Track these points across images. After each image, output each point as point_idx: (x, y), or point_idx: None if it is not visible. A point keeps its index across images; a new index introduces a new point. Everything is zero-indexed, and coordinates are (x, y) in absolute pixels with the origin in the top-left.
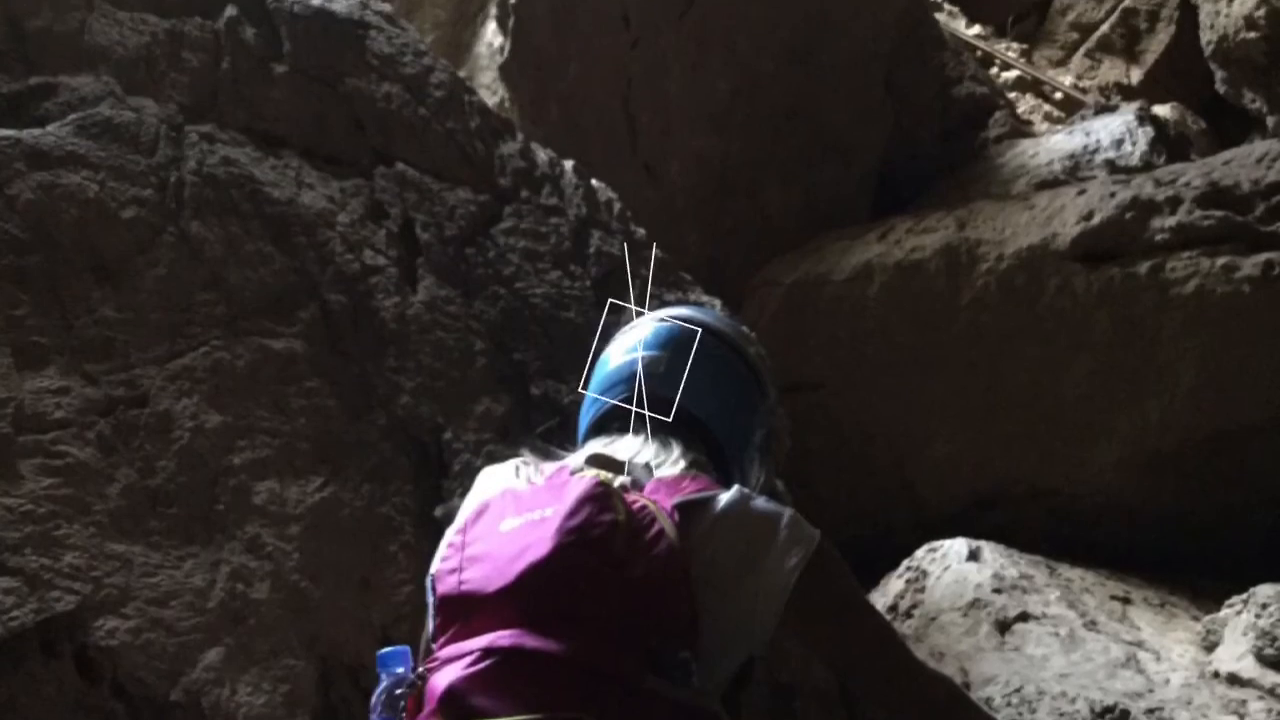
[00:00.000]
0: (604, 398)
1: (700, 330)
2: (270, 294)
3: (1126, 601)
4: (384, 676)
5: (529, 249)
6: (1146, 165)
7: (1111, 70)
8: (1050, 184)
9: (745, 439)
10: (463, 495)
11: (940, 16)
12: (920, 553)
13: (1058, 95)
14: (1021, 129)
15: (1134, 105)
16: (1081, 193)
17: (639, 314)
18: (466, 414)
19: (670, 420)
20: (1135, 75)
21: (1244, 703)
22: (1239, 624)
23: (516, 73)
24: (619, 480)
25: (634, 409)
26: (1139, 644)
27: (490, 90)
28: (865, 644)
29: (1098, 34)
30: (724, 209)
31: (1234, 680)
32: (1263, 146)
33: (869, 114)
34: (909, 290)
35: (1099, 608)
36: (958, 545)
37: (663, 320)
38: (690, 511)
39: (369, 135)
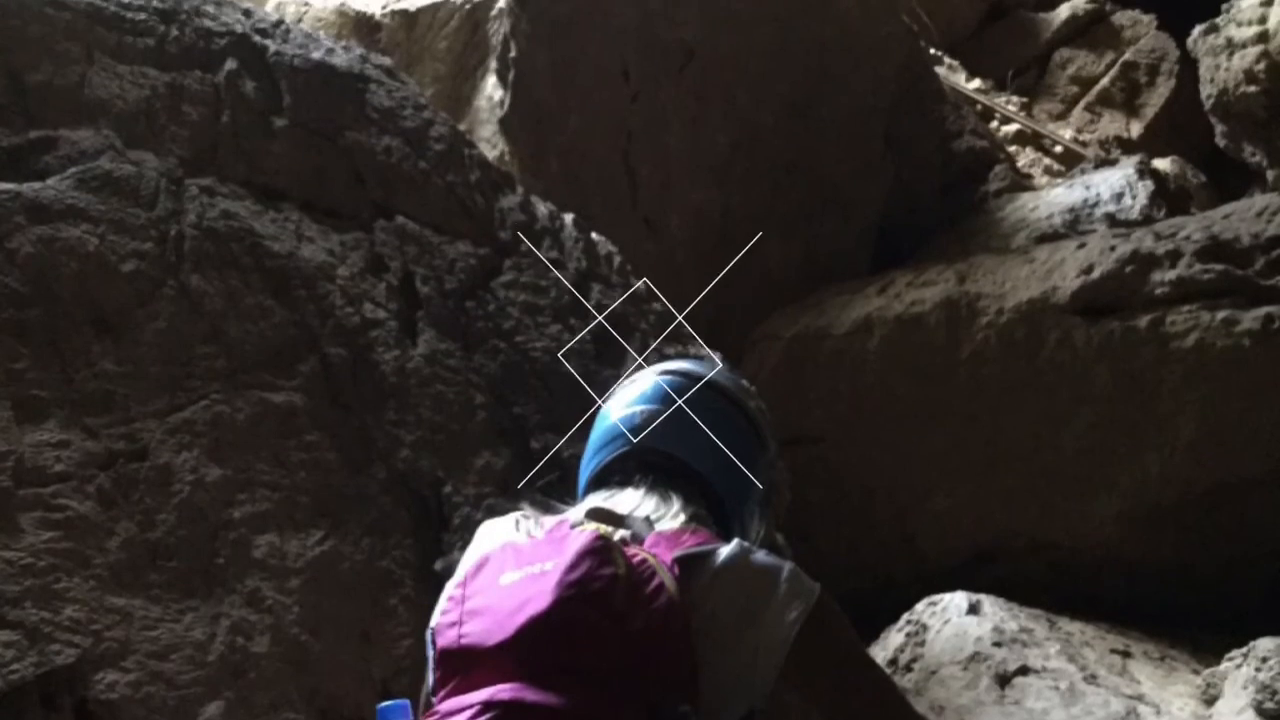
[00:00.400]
0: (604, 451)
1: (700, 384)
2: (270, 347)
3: (1127, 655)
4: None
5: (529, 302)
6: (1146, 219)
7: (1111, 124)
8: (1050, 237)
9: (745, 493)
10: (463, 549)
11: (940, 70)
12: (920, 606)
13: (1058, 149)
14: (1021, 182)
15: (1134, 159)
16: (1081, 246)
17: (639, 368)
18: (467, 467)
19: (670, 474)
20: (1135, 129)
21: None
22: (1239, 677)
23: (516, 126)
24: (619, 534)
25: (634, 463)
26: (1139, 698)
27: (490, 144)
28: (865, 698)
29: (1098, 88)
30: (724, 263)
31: None
32: (1262, 200)
33: (869, 168)
34: (909, 344)
35: (1099, 661)
36: (958, 599)
37: (662, 374)
38: (690, 565)
39: (369, 188)
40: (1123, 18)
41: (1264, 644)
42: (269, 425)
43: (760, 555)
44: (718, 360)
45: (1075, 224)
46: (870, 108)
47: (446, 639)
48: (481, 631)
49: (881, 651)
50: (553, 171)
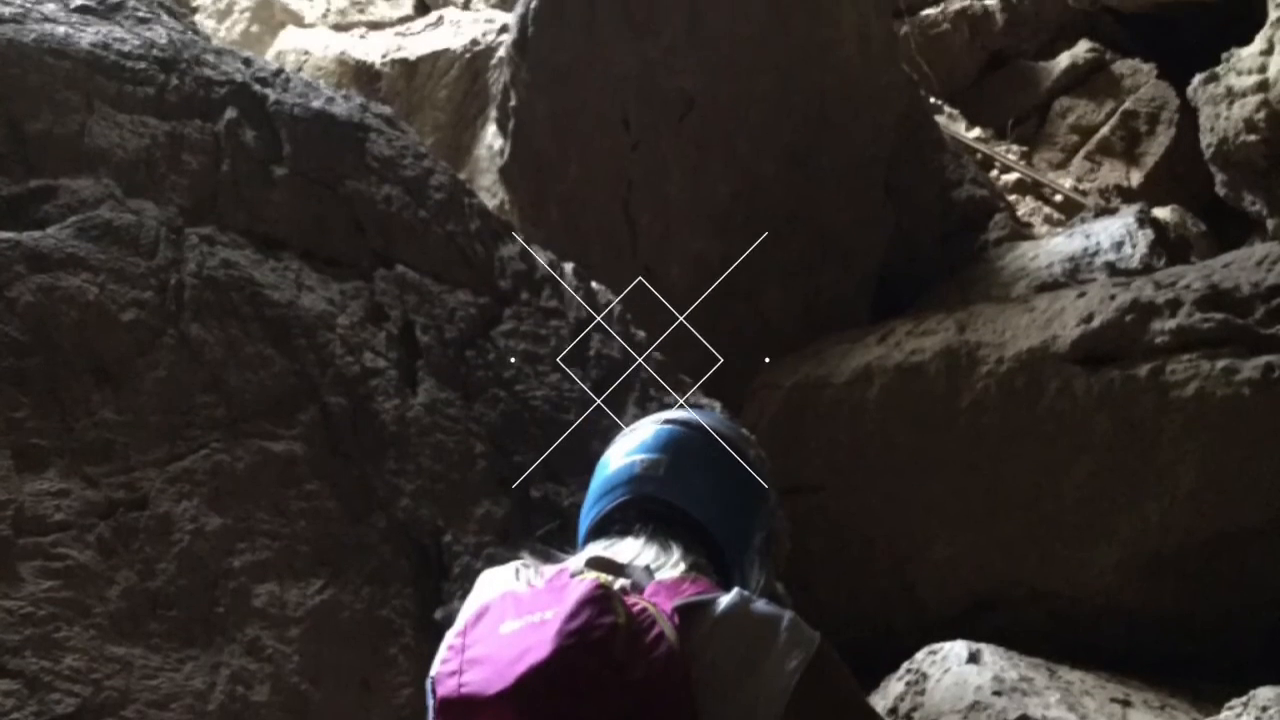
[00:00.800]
0: (604, 500)
1: (700, 433)
2: (270, 396)
3: (1127, 704)
4: None
5: (529, 351)
6: (1146, 268)
7: (1111, 173)
8: (1050, 286)
9: (745, 541)
10: (463, 598)
11: (940, 119)
12: (920, 655)
13: (1058, 198)
14: (1021, 231)
15: (1134, 208)
16: (1081, 295)
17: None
18: (466, 516)
19: (670, 523)
20: (1135, 178)
21: None
22: None
23: (517, 175)
24: (619, 583)
25: (634, 512)
26: None
27: (490, 192)
28: None
29: (1098, 137)
30: (724, 311)
31: None
32: (1262, 249)
33: (869, 217)
34: (909, 393)
35: (1099, 710)
36: (958, 648)
37: (663, 423)
38: (690, 614)
39: (369, 237)
40: (1123, 66)
41: (1264, 693)
42: (269, 474)
43: (760, 604)
44: (717, 408)
45: (1075, 273)
46: (870, 157)
47: (446, 688)
48: (482, 680)
49: (881, 700)
50: (553, 220)
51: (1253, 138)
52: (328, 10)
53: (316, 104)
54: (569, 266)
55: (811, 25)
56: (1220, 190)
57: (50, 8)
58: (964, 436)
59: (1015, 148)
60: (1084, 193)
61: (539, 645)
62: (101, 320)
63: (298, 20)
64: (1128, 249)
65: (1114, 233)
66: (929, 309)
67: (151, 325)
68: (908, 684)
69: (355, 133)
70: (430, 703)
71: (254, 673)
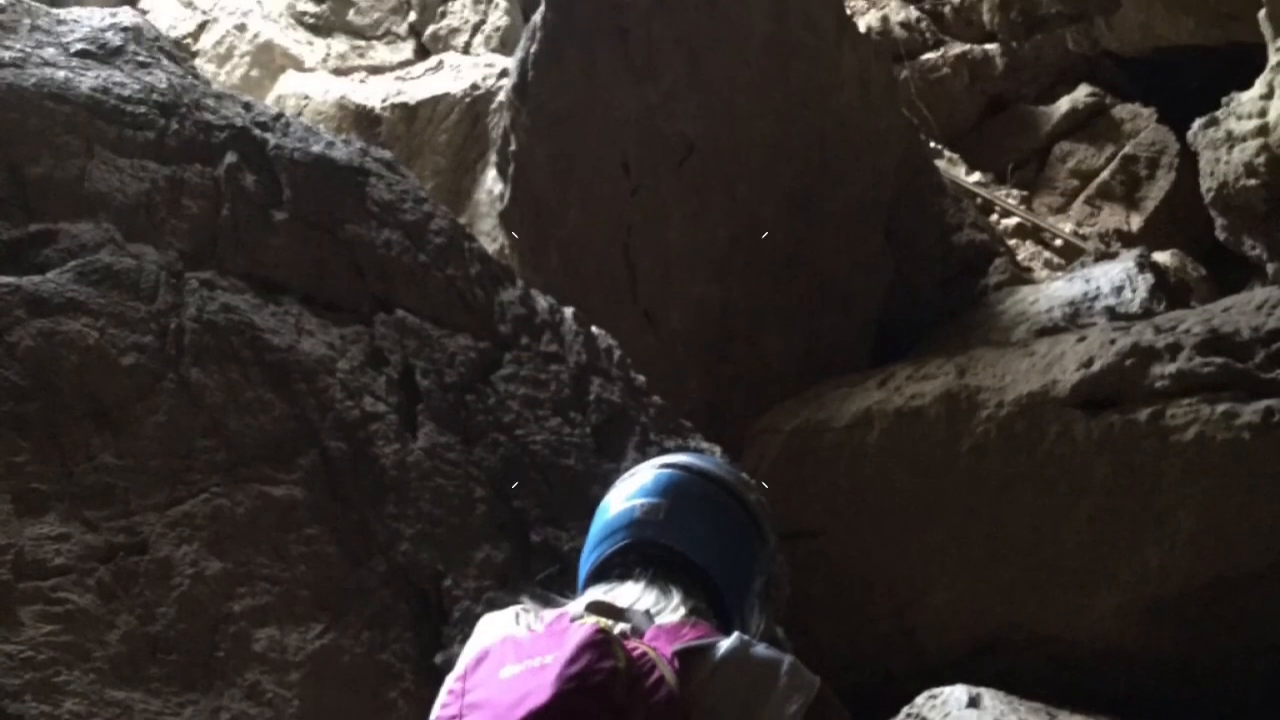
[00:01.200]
0: (604, 545)
1: (700, 477)
2: (270, 441)
3: None
4: None
5: (529, 396)
6: (1147, 312)
7: (1112, 217)
8: (1050, 331)
9: (745, 586)
10: (463, 642)
11: (940, 163)
12: (920, 700)
13: (1058, 242)
14: (1022, 276)
15: (1134, 252)
16: (1081, 340)
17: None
18: (466, 561)
19: (670, 567)
20: (1135, 222)
21: None
22: None
23: (516, 219)
24: (619, 627)
25: (634, 556)
26: None
27: (490, 237)
28: None
29: (1098, 181)
30: (724, 356)
31: None
32: (1262, 293)
33: (869, 261)
34: (909, 437)
35: None
36: (958, 692)
37: (662, 467)
38: (690, 658)
39: (369, 282)
40: (1123, 111)
41: None
42: (269, 518)
43: (760, 648)
44: (717, 453)
45: (1075, 317)
46: (870, 201)
47: None
48: None
49: None
50: (553, 265)
51: (1253, 182)
52: (328, 55)
53: (316, 148)
54: (569, 311)
55: (811, 70)
56: (1220, 234)
57: (50, 52)
58: (964, 481)
59: (1015, 192)
60: (1084, 237)
61: (539, 690)
62: (102, 364)
63: (298, 65)
64: (1128, 293)
65: (1114, 277)
66: (929, 353)
67: (151, 369)
68: None
69: (355, 177)
70: None
71: (254, 717)
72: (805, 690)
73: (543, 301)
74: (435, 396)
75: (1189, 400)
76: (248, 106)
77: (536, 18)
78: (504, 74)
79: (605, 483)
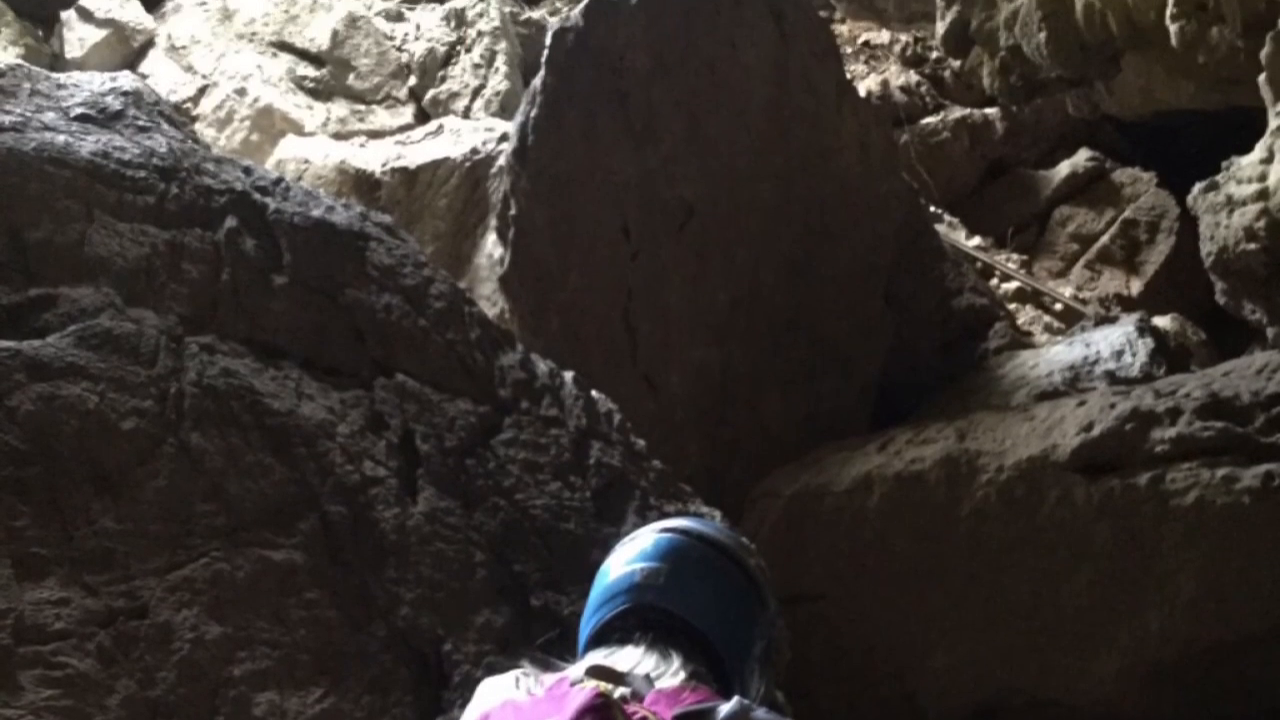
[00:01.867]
0: (604, 609)
1: (700, 541)
2: (270, 505)
3: None
4: None
5: (529, 460)
6: (1147, 376)
7: (1111, 281)
8: (1050, 395)
9: (745, 650)
10: (463, 707)
11: (940, 227)
12: None
13: (1058, 306)
14: (1021, 340)
15: (1134, 316)
16: (1081, 404)
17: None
18: (466, 625)
19: (670, 631)
20: (1135, 286)
21: None
22: None
23: (516, 284)
24: (619, 691)
25: (634, 620)
26: None
27: (490, 301)
28: None
29: (1098, 245)
30: (724, 420)
31: None
32: (1262, 358)
33: (869, 325)
34: (909, 501)
35: None
36: None
37: (662, 531)
38: None
39: (369, 346)
40: (1123, 175)
41: None
42: (269, 583)
43: (760, 713)
44: (717, 517)
45: (1075, 381)
46: (870, 265)
47: None
48: None
49: None
50: (553, 329)
51: (1253, 246)
52: (328, 119)
53: (316, 213)
54: (569, 375)
55: (811, 134)
56: (1220, 299)
57: (50, 116)
58: (964, 545)
59: (1015, 256)
60: (1084, 301)
61: None
62: (102, 429)
63: (298, 129)
64: (1128, 358)
65: (1114, 341)
66: (929, 417)
67: (152, 434)
68: None
69: (355, 241)
70: None
71: None
72: None
73: (543, 366)
74: (435, 461)
75: (1189, 464)
76: (248, 171)
77: (536, 82)
78: (504, 138)
79: (605, 547)
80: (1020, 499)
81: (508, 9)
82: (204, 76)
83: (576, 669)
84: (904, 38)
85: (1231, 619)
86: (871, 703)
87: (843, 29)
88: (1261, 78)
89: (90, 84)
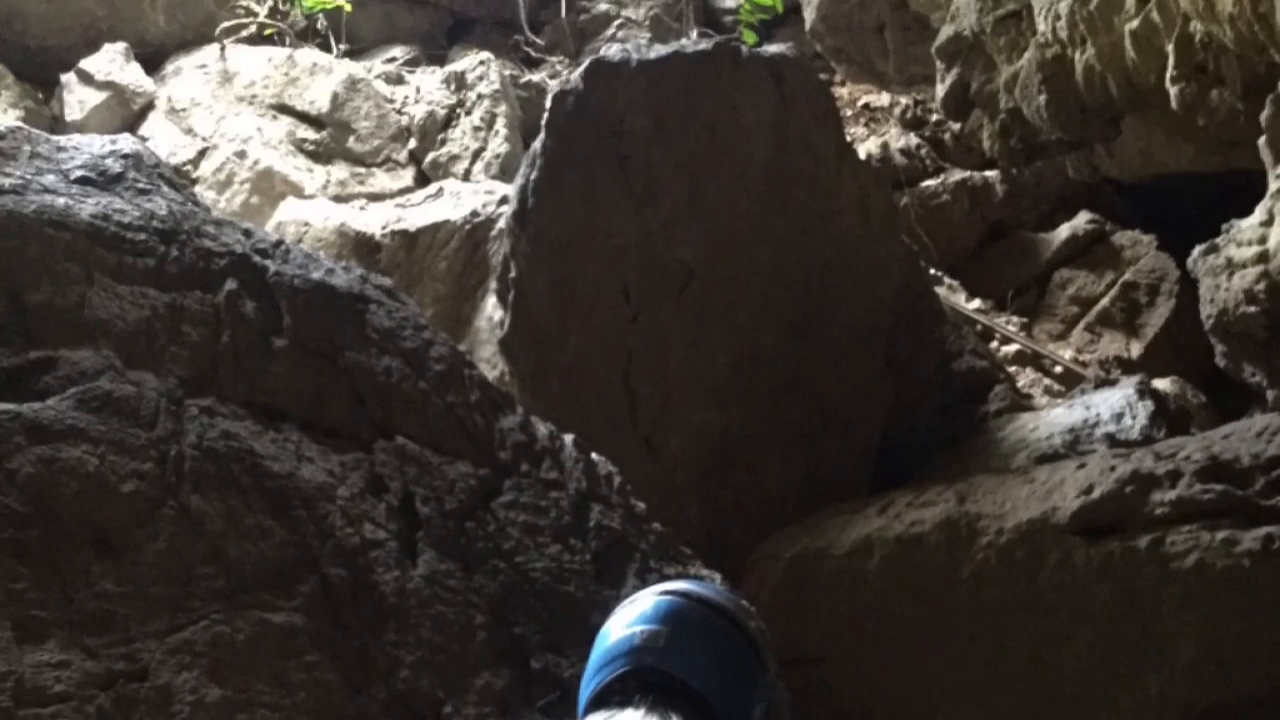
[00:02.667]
0: (604, 671)
1: (700, 604)
2: (270, 567)
3: None
4: None
5: (529, 523)
6: (1147, 439)
7: (1112, 344)
8: (1050, 457)
9: (745, 713)
10: None
11: (940, 290)
12: None
13: (1058, 369)
14: (1022, 403)
15: (1134, 379)
16: (1081, 466)
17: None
18: (467, 688)
19: (670, 694)
20: (1135, 349)
21: None
22: None
23: (517, 346)
24: None
25: (634, 683)
26: None
27: (490, 364)
28: None
29: (1098, 308)
30: (724, 483)
31: None
32: (1262, 420)
33: (869, 388)
34: (909, 564)
35: None
36: None
37: (662, 594)
38: None
39: (369, 409)
40: (1123, 238)
41: None
42: (269, 645)
43: None
44: (717, 580)
45: (1075, 444)
46: (870, 328)
47: None
48: None
49: None
50: (553, 392)
51: (1253, 309)
52: (328, 182)
53: (316, 275)
54: (569, 438)
55: (811, 197)
56: (1220, 361)
57: (50, 179)
58: (964, 608)
59: (1015, 319)
60: (1084, 364)
61: None
62: (102, 491)
63: (298, 191)
64: (1128, 420)
65: (1114, 404)
66: (929, 480)
67: (152, 496)
68: None
69: (355, 304)
70: None
71: None
72: None
73: (543, 428)
74: (435, 523)
75: (1189, 527)
76: (248, 233)
77: (536, 145)
78: (504, 201)
79: (605, 609)
80: (1020, 561)
81: (508, 72)
82: (204, 139)
83: None
84: (904, 100)
85: (1232, 681)
86: None
87: (843, 91)
88: (1261, 140)
89: (90, 146)
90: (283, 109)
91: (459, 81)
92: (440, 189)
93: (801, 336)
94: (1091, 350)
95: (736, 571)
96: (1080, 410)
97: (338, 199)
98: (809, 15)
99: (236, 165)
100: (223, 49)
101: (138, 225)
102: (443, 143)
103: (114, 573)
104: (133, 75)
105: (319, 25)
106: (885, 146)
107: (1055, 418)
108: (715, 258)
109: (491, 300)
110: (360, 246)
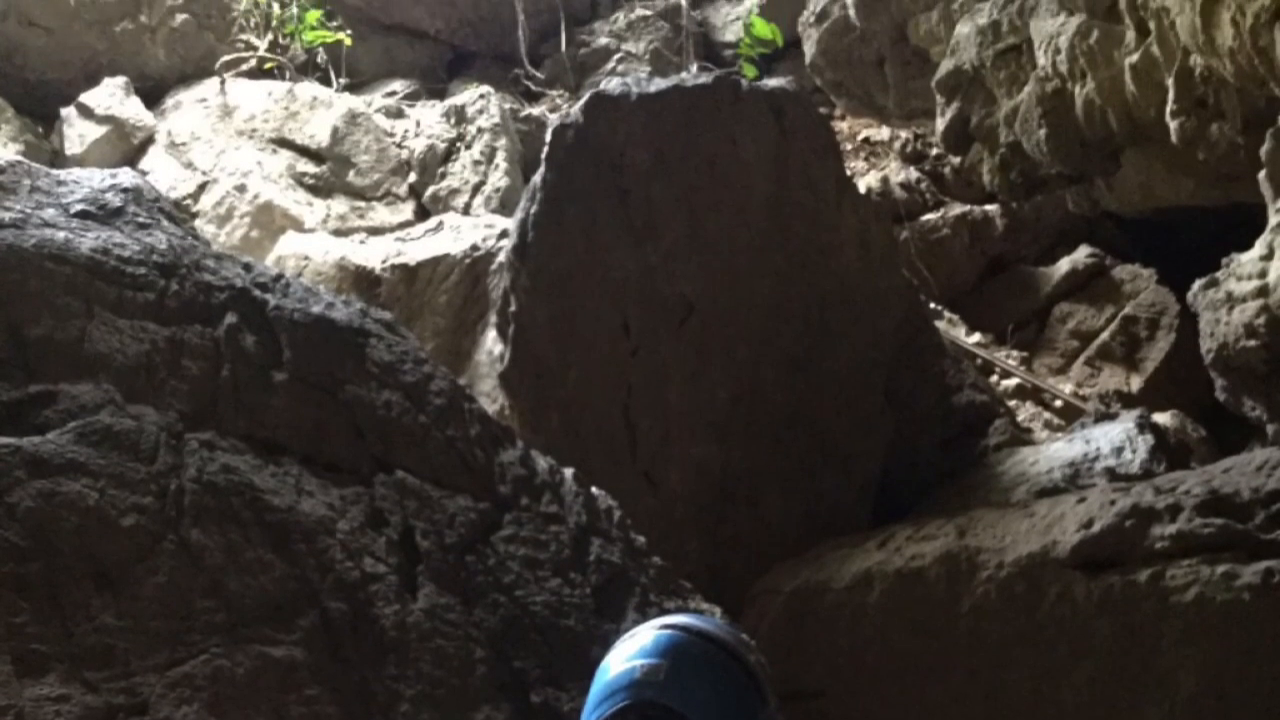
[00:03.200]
0: (604, 705)
1: (700, 638)
2: (270, 601)
3: None
4: None
5: (529, 557)
6: (1147, 473)
7: (1111, 378)
8: (1050, 491)
9: None
10: None
11: (940, 324)
12: None
13: (1058, 403)
14: (1022, 437)
15: (1134, 413)
16: (1081, 500)
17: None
18: None
19: None
20: (1135, 383)
21: None
22: None
23: (516, 380)
24: None
25: (634, 717)
26: None
27: (490, 398)
28: None
29: (1098, 342)
30: (724, 517)
31: None
32: (1262, 454)
33: (869, 422)
34: (909, 598)
35: None
36: None
37: (662, 628)
38: None
39: (369, 442)
40: (1123, 272)
41: None
42: (269, 679)
43: None
44: (717, 614)
45: (1075, 478)
46: (870, 362)
47: None
48: None
49: None
50: (553, 425)
51: (1253, 343)
52: (328, 215)
53: (316, 309)
54: (569, 472)
55: (811, 231)
56: (1220, 395)
57: (50, 213)
58: (964, 642)
59: (1015, 353)
60: (1084, 398)
61: None
62: (102, 525)
63: (298, 225)
64: (1128, 454)
65: (1114, 438)
66: (929, 514)
67: (151, 530)
68: None
69: (355, 338)
70: None
71: None
72: None
73: (543, 462)
74: (435, 557)
75: (1189, 561)
76: (248, 267)
77: (536, 179)
78: (504, 235)
79: (605, 643)
80: (1020, 596)
81: (507, 106)
82: (204, 173)
83: None
84: (904, 134)
85: (1232, 716)
86: None
87: (843, 125)
88: (1261, 174)
89: (90, 180)
90: (283, 143)
91: (459, 115)
92: (440, 223)
93: (801, 370)
94: (1091, 384)
95: (737, 605)
96: (1080, 444)
97: (338, 233)
98: (809, 49)
99: (236, 199)
100: (223, 83)
101: (138, 259)
102: (443, 176)
103: (114, 606)
104: (133, 109)
105: (319, 59)
106: (885, 180)
107: (1055, 452)
108: (715, 292)
109: (491, 334)
110: (360, 280)
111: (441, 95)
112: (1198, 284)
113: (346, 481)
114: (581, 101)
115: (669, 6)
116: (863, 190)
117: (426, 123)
